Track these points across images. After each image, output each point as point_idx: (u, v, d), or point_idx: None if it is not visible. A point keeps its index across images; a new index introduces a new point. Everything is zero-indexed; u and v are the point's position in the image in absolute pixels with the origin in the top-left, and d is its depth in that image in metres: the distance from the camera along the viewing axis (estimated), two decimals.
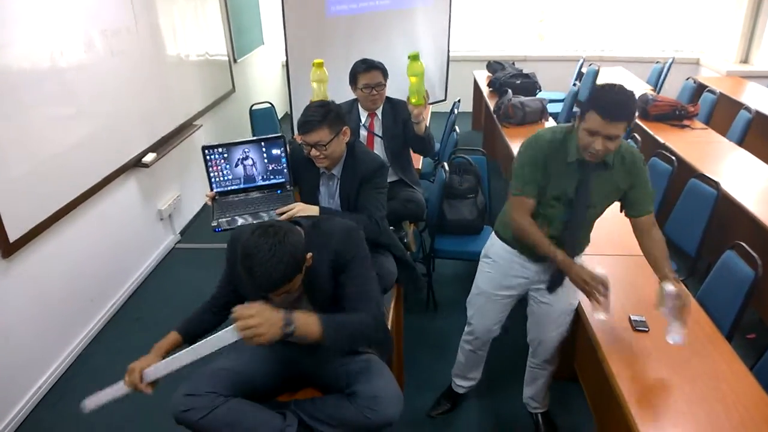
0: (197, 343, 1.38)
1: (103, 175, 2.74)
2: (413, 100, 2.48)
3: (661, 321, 1.77)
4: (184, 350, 1.40)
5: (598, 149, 1.56)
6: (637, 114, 1.61)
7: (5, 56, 2.14)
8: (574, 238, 1.76)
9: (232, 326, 1.30)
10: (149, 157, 3.09)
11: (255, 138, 2.02)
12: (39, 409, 2.31)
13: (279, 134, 2.06)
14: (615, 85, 1.59)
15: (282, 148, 2.02)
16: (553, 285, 1.84)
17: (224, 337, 1.32)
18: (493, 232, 1.97)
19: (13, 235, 2.16)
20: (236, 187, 2.03)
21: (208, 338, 1.35)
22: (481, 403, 2.27)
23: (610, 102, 1.54)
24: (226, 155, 1.99)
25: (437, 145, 3.60)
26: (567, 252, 1.71)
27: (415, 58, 2.46)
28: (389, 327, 1.72)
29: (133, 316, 2.89)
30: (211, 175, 2.00)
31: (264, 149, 2.01)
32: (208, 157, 1.98)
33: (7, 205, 2.12)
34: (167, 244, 3.50)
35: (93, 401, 1.44)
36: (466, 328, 2.11)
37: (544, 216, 1.75)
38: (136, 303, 3.01)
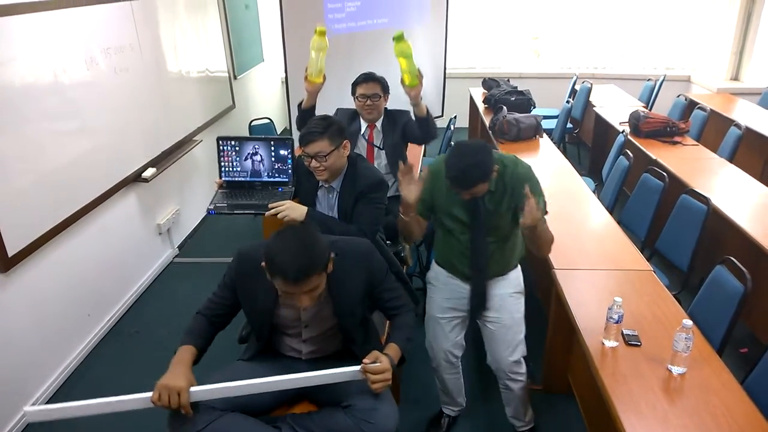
0: (260, 380, 1.45)
1: (103, 190, 2.77)
2: (407, 82, 2.39)
3: (654, 335, 1.81)
4: (241, 382, 1.45)
5: (467, 199, 1.71)
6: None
7: (8, 72, 2.19)
8: (481, 255, 1.83)
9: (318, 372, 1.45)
10: (149, 172, 3.12)
11: (265, 137, 2.16)
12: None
13: (288, 137, 2.18)
14: (460, 149, 1.66)
15: (289, 150, 2.12)
16: (474, 310, 1.90)
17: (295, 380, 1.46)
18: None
19: (11, 250, 2.18)
20: (243, 179, 2.16)
21: (275, 378, 1.45)
22: (473, 424, 2.26)
23: (454, 176, 1.65)
24: (237, 148, 2.12)
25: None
26: (475, 267, 1.82)
27: (399, 38, 2.32)
28: (385, 340, 1.76)
29: (131, 330, 2.89)
30: (222, 164, 2.14)
31: (273, 148, 2.13)
32: (221, 148, 2.13)
33: (6, 220, 2.14)
34: (165, 258, 3.52)
35: (112, 404, 1.42)
36: None
37: (454, 237, 1.84)
38: (134, 317, 3.01)
